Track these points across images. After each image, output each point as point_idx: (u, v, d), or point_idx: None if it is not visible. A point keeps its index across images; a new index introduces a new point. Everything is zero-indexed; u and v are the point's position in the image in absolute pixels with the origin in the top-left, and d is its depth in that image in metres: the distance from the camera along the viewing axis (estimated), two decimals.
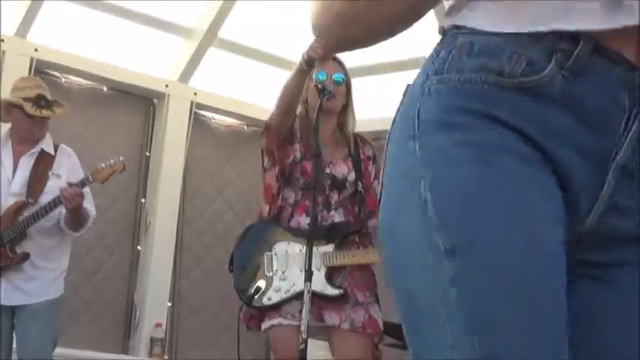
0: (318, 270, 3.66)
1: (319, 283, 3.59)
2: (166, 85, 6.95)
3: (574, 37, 1.08)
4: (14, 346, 4.34)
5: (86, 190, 4.39)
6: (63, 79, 6.64)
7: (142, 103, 7.07)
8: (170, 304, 6.89)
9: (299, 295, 3.64)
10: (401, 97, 1.19)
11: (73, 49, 6.60)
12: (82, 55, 6.64)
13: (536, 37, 1.08)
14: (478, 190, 1.05)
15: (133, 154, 6.75)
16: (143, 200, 6.93)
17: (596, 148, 1.09)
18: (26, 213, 4.31)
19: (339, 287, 3.70)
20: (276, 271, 3.77)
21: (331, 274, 3.71)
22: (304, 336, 3.33)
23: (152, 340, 6.65)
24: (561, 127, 1.08)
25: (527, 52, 1.08)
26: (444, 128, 1.08)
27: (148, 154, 7.00)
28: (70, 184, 4.22)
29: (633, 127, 1.09)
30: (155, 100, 7.08)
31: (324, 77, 3.87)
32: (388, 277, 1.14)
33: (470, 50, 1.11)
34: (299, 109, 3.93)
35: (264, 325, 3.76)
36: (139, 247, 6.88)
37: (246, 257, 3.87)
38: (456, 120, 1.07)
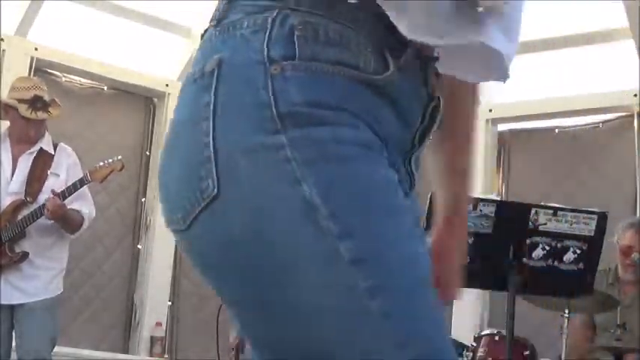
0: None
1: None
2: (167, 85, 6.95)
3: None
4: (13, 345, 4.34)
5: (84, 190, 4.39)
6: (63, 79, 6.64)
7: (142, 103, 7.07)
8: (170, 303, 6.90)
9: None
10: (203, 72, 1.06)
11: (73, 49, 6.60)
12: (82, 54, 6.64)
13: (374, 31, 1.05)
14: (372, 186, 0.99)
15: (133, 154, 6.75)
16: (143, 199, 6.94)
17: (404, 143, 1.11)
18: (25, 212, 4.31)
19: None
20: None
21: None
22: None
23: (152, 339, 6.65)
24: (391, 124, 1.07)
25: (369, 47, 1.05)
26: (315, 123, 0.98)
27: (148, 153, 7.00)
28: (53, 194, 4.21)
29: (425, 122, 1.13)
30: (155, 100, 7.08)
31: None
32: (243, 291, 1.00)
33: (315, 37, 1.03)
34: None
35: None
36: (139, 247, 6.88)
37: None
38: (325, 114, 0.99)
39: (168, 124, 1.12)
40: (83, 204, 4.41)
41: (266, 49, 1.02)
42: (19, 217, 4.30)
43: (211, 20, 1.14)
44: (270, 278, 0.97)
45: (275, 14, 1.04)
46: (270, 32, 1.03)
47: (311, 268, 0.95)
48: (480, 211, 3.14)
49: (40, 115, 4.37)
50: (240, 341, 3.90)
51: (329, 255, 0.95)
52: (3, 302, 4.26)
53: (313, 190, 0.96)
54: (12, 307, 4.30)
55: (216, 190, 1.00)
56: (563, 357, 4.08)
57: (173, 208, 1.07)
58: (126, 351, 6.76)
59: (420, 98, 1.11)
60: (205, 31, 1.16)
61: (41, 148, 4.45)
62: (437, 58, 1.12)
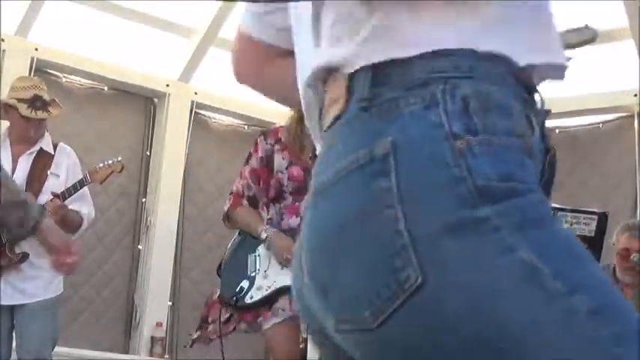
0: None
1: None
2: (167, 85, 6.96)
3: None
4: (14, 345, 4.34)
5: (84, 191, 4.39)
6: (63, 79, 6.64)
7: (142, 103, 7.07)
8: (170, 304, 6.90)
9: (282, 291, 3.70)
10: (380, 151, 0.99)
11: (73, 49, 6.60)
12: (83, 54, 6.64)
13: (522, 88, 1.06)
14: (572, 241, 1.01)
15: (133, 154, 6.75)
16: (144, 200, 6.94)
17: None
18: None
19: None
20: (258, 270, 3.82)
21: None
22: (304, 335, 3.33)
23: (153, 339, 6.66)
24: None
25: (519, 109, 1.04)
26: (510, 194, 0.97)
27: (148, 153, 7.00)
28: (53, 195, 4.21)
29: (545, 175, 1.12)
30: (156, 100, 7.08)
31: None
32: None
33: (487, 107, 1.01)
34: (292, 114, 3.95)
35: (265, 325, 3.77)
36: (139, 247, 6.89)
37: (233, 263, 3.94)
38: (515, 186, 0.98)
39: (324, 224, 1.01)
40: (83, 205, 4.41)
41: (447, 124, 0.98)
42: None
43: (360, 101, 1.04)
44: (504, 354, 0.94)
45: (442, 86, 1.00)
46: (444, 106, 0.99)
47: (552, 331, 0.94)
48: None
49: (40, 114, 4.36)
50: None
51: (567, 313, 0.94)
52: (3, 303, 4.26)
53: (530, 254, 0.94)
54: (12, 308, 4.30)
55: (420, 278, 0.95)
56: None
57: (354, 308, 0.99)
58: (126, 351, 6.76)
59: (539, 153, 1.10)
60: (336, 115, 1.06)
61: (41, 148, 4.44)
62: (549, 111, 1.12)
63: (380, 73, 1.03)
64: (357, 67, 1.04)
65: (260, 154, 3.94)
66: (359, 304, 0.99)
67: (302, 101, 1.18)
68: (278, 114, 7.24)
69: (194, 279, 7.06)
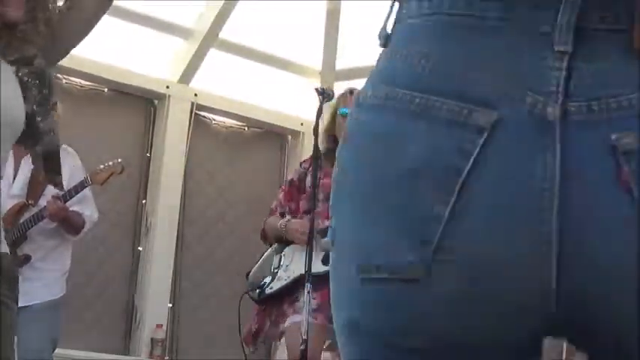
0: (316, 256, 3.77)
1: (318, 265, 3.66)
2: (167, 86, 6.95)
3: None
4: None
5: (87, 193, 4.39)
6: (63, 80, 6.64)
7: (142, 104, 7.07)
8: (171, 305, 6.89)
9: (299, 280, 3.77)
10: None
11: (73, 50, 6.58)
12: (83, 55, 6.63)
13: None
14: None
15: (133, 156, 6.75)
16: (144, 201, 6.94)
17: None
18: (27, 215, 4.31)
19: None
20: (281, 265, 3.94)
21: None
22: (304, 336, 3.33)
23: (153, 341, 6.65)
24: None
25: None
26: None
27: (148, 155, 7.00)
28: (54, 198, 4.21)
29: None
30: (156, 101, 7.08)
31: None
32: None
33: None
34: (323, 145, 4.05)
35: (283, 327, 3.85)
36: (139, 248, 6.89)
37: (261, 265, 4.07)
38: None
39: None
40: (85, 207, 4.41)
41: None
42: (21, 220, 4.31)
43: None
44: None
45: None
46: None
47: None
48: None
49: None
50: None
51: None
52: None
53: None
54: None
55: None
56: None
57: None
58: (126, 353, 6.76)
59: None
60: None
61: None
62: None
63: None
64: None
65: (291, 176, 4.24)
66: None
67: None
68: (279, 116, 7.26)
69: (194, 281, 7.06)
